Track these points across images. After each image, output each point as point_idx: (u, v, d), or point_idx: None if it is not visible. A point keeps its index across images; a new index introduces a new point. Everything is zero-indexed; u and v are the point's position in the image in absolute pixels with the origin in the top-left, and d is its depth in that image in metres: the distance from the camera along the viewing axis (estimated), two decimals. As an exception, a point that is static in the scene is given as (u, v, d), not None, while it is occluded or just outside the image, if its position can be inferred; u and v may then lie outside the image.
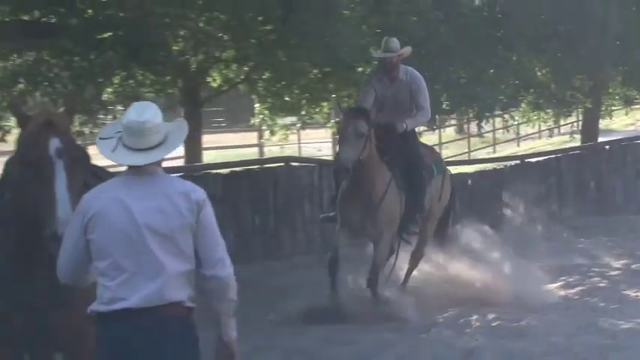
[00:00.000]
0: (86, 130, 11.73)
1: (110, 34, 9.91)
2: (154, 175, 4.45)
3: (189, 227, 4.42)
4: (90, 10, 9.71)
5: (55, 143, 4.53)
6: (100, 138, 4.47)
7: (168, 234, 4.39)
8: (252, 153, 23.29)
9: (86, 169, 4.87)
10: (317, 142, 27.49)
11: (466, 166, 18.82)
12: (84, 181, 4.71)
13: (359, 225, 10.18)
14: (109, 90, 12.00)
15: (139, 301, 4.32)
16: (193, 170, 12.73)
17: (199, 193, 4.49)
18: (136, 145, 4.37)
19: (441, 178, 11.12)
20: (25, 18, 10.26)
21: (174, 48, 11.90)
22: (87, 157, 4.92)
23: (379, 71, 10.64)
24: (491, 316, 10.23)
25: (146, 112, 4.39)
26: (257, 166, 14.75)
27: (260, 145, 24.19)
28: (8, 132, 11.74)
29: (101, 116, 11.30)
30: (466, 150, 29.84)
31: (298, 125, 17.70)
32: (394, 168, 10.19)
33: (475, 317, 10.22)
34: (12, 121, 11.95)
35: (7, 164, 5.47)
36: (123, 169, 4.55)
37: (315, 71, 13.63)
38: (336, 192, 10.43)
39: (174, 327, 4.42)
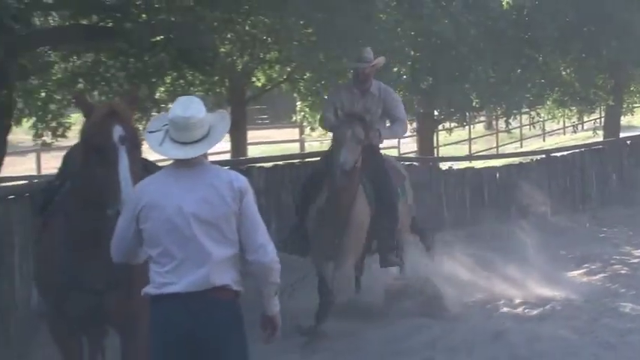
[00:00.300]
0: (140, 126, 11.82)
1: (162, 37, 9.95)
2: (200, 166, 4.48)
3: (233, 214, 4.47)
4: (144, 15, 9.75)
5: (118, 131, 4.59)
6: (149, 132, 4.50)
7: (214, 222, 4.43)
8: (293, 148, 23.31)
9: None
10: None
11: (494, 160, 18.69)
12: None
13: (332, 245, 8.76)
14: (162, 89, 12.07)
15: (187, 286, 4.38)
16: (238, 164, 12.75)
17: (242, 181, 4.53)
18: (181, 138, 4.40)
19: (405, 201, 9.76)
20: (85, 22, 10.35)
21: (222, 50, 11.95)
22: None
23: (350, 82, 9.72)
24: (517, 301, 10.20)
25: (190, 107, 4.42)
26: (298, 160, 14.73)
27: (301, 141, 24.20)
28: (68, 128, 11.86)
29: (154, 114, 11.35)
30: (494, 145, 29.68)
31: (337, 121, 17.69)
32: (364, 181, 8.98)
33: (502, 302, 10.19)
34: (72, 118, 12.11)
35: (68, 155, 5.54)
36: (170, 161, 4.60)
37: (352, 71, 13.62)
38: (302, 204, 9.27)
39: (221, 309, 4.47)
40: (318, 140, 21.01)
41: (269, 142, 22.92)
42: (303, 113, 16.59)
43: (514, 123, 24.15)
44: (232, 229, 4.48)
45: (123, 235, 4.52)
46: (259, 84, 14.63)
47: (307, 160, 14.63)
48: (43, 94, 11.94)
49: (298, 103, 16.57)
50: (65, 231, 4.99)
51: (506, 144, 30.82)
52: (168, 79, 11.86)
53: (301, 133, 22.89)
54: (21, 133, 15.33)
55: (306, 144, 24.09)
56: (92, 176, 4.60)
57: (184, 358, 4.47)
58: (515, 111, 17.78)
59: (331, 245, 8.69)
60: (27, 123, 12.32)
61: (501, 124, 25.23)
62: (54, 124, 11.88)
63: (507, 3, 15.56)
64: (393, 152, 24.56)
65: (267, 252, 4.55)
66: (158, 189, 4.42)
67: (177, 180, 4.43)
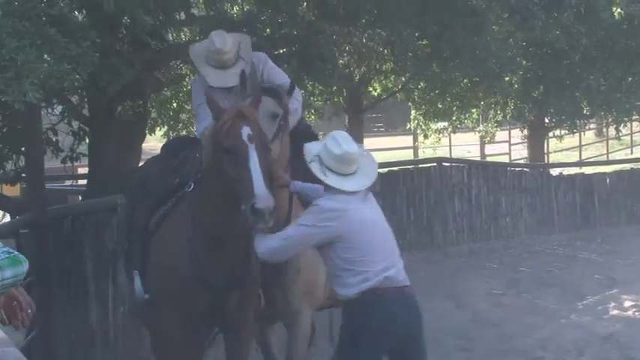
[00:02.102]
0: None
1: (285, 50, 10.10)
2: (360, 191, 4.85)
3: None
4: (268, 30, 9.92)
5: (246, 131, 4.65)
6: (309, 161, 4.83)
7: (388, 230, 4.92)
8: (407, 154, 23.27)
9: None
10: (466, 145, 27.24)
11: (605, 167, 18.33)
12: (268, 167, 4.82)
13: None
14: (284, 99, 12.24)
15: (390, 283, 4.77)
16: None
17: None
18: (343, 171, 4.79)
19: None
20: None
21: (341, 62, 12.05)
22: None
23: None
24: (628, 303, 9.97)
25: (351, 144, 4.80)
26: (412, 166, 14.80)
27: (415, 148, 24.13)
28: (197, 136, 12.11)
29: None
30: (604, 152, 28.97)
31: (449, 129, 17.64)
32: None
33: (613, 305, 9.98)
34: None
35: (186, 160, 5.57)
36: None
37: (465, 81, 13.56)
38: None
39: (415, 303, 4.92)
40: (431, 147, 20.96)
41: (384, 149, 22.91)
42: (416, 121, 16.59)
43: (624, 130, 23.48)
44: None
45: (300, 239, 4.80)
46: (375, 93, 14.71)
47: (420, 165, 14.67)
48: (174, 105, 12.29)
49: (412, 111, 16.57)
50: (191, 227, 5.03)
51: (616, 151, 30.01)
52: (289, 90, 12.01)
53: (415, 140, 22.85)
54: (154, 141, 15.77)
55: (419, 150, 24.04)
56: (224, 175, 4.66)
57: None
58: (625, 118, 17.31)
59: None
60: (160, 132, 12.69)
61: (611, 131, 24.57)
62: (184, 132, 12.19)
63: (619, 13, 15.19)
64: (504, 159, 24.28)
65: None
66: (347, 207, 4.74)
67: (355, 200, 4.80)
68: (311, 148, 4.91)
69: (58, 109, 9.31)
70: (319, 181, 4.86)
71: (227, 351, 5.45)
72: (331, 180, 4.77)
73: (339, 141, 4.81)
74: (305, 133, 5.88)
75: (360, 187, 4.82)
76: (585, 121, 20.29)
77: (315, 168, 4.79)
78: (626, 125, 20.63)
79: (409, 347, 4.89)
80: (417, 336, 4.91)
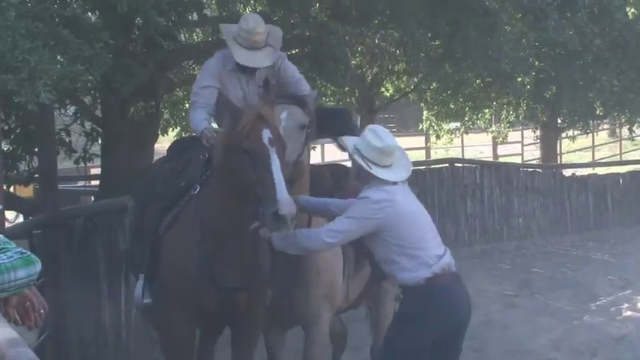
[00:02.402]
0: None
1: (298, 50, 10.10)
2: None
3: None
4: (281, 30, 9.92)
5: (267, 134, 4.62)
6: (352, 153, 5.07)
7: (430, 219, 5.18)
8: (419, 155, 23.24)
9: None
10: (479, 145, 27.18)
11: (618, 167, 18.26)
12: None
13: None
14: (296, 100, 12.24)
15: (448, 268, 4.98)
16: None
17: None
18: (383, 163, 4.99)
19: None
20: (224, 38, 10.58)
21: (353, 62, 12.04)
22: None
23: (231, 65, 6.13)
24: (641, 305, 9.94)
25: (391, 137, 5.07)
26: (424, 167, 14.77)
27: (427, 148, 24.10)
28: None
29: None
30: (617, 152, 28.87)
31: (462, 130, 17.62)
32: None
33: (626, 306, 9.94)
34: (212, 129, 12.42)
35: (190, 162, 5.56)
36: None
37: (477, 81, 13.53)
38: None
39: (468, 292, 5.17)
40: (443, 147, 20.93)
41: (396, 150, 22.89)
42: (429, 122, 16.58)
43: (637, 130, 23.38)
44: None
45: (355, 229, 4.93)
46: (387, 94, 14.70)
47: (433, 166, 14.65)
48: (187, 105, 12.30)
49: (425, 112, 16.55)
50: (199, 229, 5.03)
51: (630, 151, 29.91)
52: (301, 90, 12.02)
53: (427, 141, 22.82)
54: (166, 142, 15.79)
55: (431, 151, 24.01)
56: (241, 176, 4.62)
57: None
58: (638, 119, 17.24)
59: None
60: (172, 132, 12.71)
61: (625, 131, 24.47)
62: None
63: (633, 13, 15.12)
64: (517, 159, 24.22)
65: None
66: (395, 198, 4.97)
67: (401, 191, 5.06)
68: (349, 141, 5.10)
69: (71, 109, 9.34)
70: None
71: (234, 351, 5.46)
72: (377, 171, 4.94)
73: (379, 134, 5.01)
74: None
75: (401, 178, 5.05)
76: (598, 122, 20.23)
77: (359, 160, 4.97)
78: (639, 126, 20.53)
79: (452, 339, 5.03)
80: (465, 328, 5.09)
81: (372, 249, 5.12)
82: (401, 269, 4.91)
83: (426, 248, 4.94)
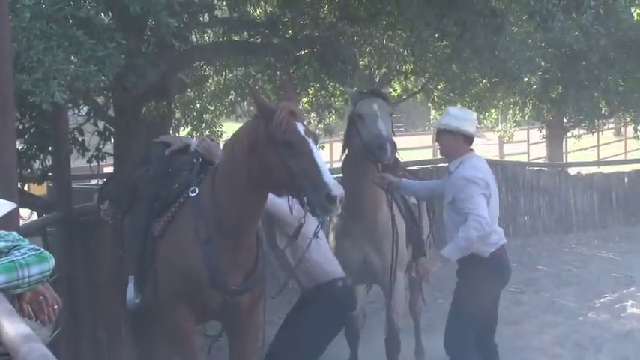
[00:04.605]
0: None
1: (307, 51, 10.09)
2: None
3: None
4: (290, 31, 9.92)
5: (301, 127, 4.79)
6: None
7: None
8: (427, 154, 23.24)
9: None
10: (485, 145, 27.11)
11: (623, 166, 18.22)
12: None
13: (362, 265, 6.54)
14: (304, 100, 12.24)
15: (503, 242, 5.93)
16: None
17: None
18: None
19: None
20: (236, 39, 10.60)
21: (361, 63, 12.03)
22: None
23: None
24: (645, 302, 9.92)
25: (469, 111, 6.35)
26: (431, 166, 14.78)
27: (434, 147, 24.08)
28: (220, 136, 12.14)
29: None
30: (623, 151, 28.79)
31: (469, 129, 17.57)
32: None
33: (630, 302, 9.92)
34: (223, 127, 12.46)
35: (182, 167, 5.58)
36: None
37: (484, 81, 13.50)
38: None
39: None
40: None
41: (404, 149, 22.86)
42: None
43: (643, 130, 23.31)
44: None
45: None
46: (395, 94, 14.66)
47: (440, 165, 14.64)
48: (198, 105, 12.32)
49: (432, 111, 16.53)
50: (205, 230, 5.04)
51: (635, 150, 29.83)
52: (310, 90, 12.02)
53: (434, 140, 22.80)
54: (178, 140, 15.79)
55: (439, 150, 24.00)
56: (279, 169, 4.69)
57: None
58: (644, 118, 17.19)
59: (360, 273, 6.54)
60: (183, 132, 12.72)
61: (630, 130, 24.40)
62: (207, 132, 12.22)
63: (638, 14, 15.07)
64: (522, 158, 24.17)
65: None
66: (487, 170, 5.92)
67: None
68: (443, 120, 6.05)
69: (85, 109, 9.36)
70: None
71: (232, 352, 5.46)
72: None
73: (459, 111, 6.19)
74: None
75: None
76: (604, 121, 20.16)
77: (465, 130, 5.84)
78: (644, 125, 20.45)
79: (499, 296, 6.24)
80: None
81: (453, 225, 5.76)
82: (485, 243, 5.69)
83: (496, 222, 5.77)
